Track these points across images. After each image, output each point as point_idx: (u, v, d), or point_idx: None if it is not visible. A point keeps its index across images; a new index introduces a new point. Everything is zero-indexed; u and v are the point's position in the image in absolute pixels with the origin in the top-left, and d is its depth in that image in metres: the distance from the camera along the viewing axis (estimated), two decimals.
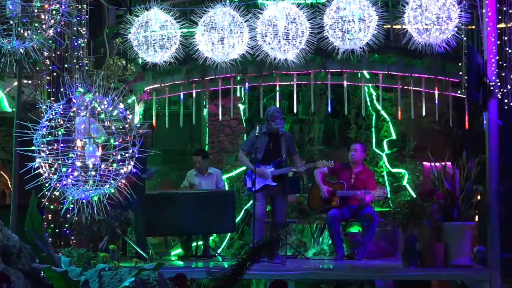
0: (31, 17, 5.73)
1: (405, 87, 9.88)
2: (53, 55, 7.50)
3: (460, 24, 7.58)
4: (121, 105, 4.91)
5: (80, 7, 7.81)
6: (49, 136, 4.72)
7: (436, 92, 9.67)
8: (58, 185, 4.80)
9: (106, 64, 8.48)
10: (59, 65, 7.66)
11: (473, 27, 8.77)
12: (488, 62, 7.54)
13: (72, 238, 7.66)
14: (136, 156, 4.86)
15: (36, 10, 5.75)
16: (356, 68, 9.78)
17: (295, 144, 9.77)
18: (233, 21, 7.71)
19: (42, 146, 4.74)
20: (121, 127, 4.81)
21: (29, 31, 5.75)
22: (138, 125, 5.03)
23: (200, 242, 9.70)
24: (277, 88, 10.04)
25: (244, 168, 11.68)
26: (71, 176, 4.73)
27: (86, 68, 7.95)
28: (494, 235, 7.41)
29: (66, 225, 7.64)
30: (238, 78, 9.84)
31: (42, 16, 5.76)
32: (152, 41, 7.96)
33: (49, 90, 7.66)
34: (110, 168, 4.74)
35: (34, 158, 4.83)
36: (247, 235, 10.68)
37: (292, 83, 9.87)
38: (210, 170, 9.89)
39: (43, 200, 6.95)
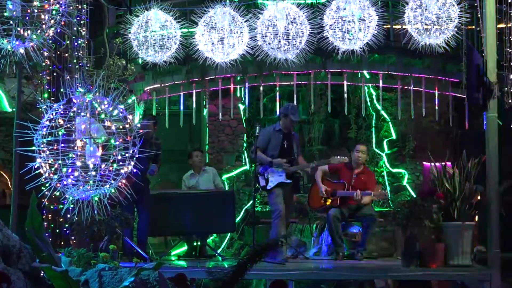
0: (31, 17, 5.72)
1: (405, 87, 9.89)
2: (53, 55, 7.50)
3: (460, 24, 7.58)
4: (121, 105, 4.91)
5: (80, 7, 7.81)
6: (50, 136, 4.72)
7: (436, 92, 9.67)
8: (58, 185, 4.80)
9: (106, 64, 8.49)
10: (59, 65, 7.66)
11: (473, 27, 8.78)
12: (488, 62, 7.54)
13: (72, 238, 7.66)
14: (137, 155, 4.85)
15: (36, 10, 5.75)
16: (356, 68, 9.79)
17: None
18: (233, 21, 7.71)
19: (42, 146, 4.74)
20: (121, 127, 4.81)
21: (29, 31, 5.74)
22: (139, 125, 5.01)
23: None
24: (277, 88, 10.04)
25: (244, 168, 11.76)
26: (71, 176, 4.73)
27: (86, 68, 7.95)
28: (494, 235, 7.41)
29: (66, 225, 7.64)
30: (238, 78, 9.86)
31: (42, 16, 5.75)
32: (152, 41, 7.96)
33: (49, 90, 7.66)
34: (111, 168, 4.74)
35: (34, 158, 4.82)
36: (247, 235, 10.68)
37: (292, 83, 9.88)
38: (203, 168, 9.87)
39: (43, 200, 6.96)
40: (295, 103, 9.91)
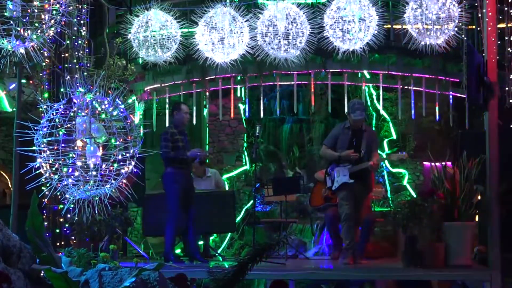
0: (31, 17, 5.72)
1: (406, 87, 9.89)
2: (53, 55, 7.50)
3: (461, 24, 7.58)
4: (122, 105, 4.91)
5: (80, 7, 7.81)
6: (50, 136, 4.71)
7: (437, 92, 9.67)
8: (59, 185, 4.80)
9: (106, 64, 8.49)
10: (59, 65, 7.66)
11: (473, 27, 8.78)
12: (488, 62, 7.54)
13: (73, 238, 7.66)
14: (137, 155, 4.85)
15: (36, 10, 5.75)
16: (356, 68, 9.78)
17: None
18: (233, 21, 7.70)
19: (42, 146, 4.73)
20: (121, 127, 4.81)
21: (29, 31, 5.74)
22: (139, 125, 5.02)
23: (201, 242, 9.70)
24: (277, 88, 10.04)
25: (244, 168, 11.77)
26: (72, 176, 4.73)
27: (87, 68, 7.95)
28: (494, 235, 7.41)
29: (67, 225, 7.64)
30: (238, 78, 9.85)
31: (42, 16, 5.75)
32: (152, 41, 7.96)
33: (49, 90, 7.66)
34: (111, 168, 4.74)
35: (34, 158, 4.82)
36: (247, 235, 10.68)
37: (292, 83, 9.87)
38: (208, 173, 9.86)
39: (44, 200, 6.97)
40: (295, 103, 9.91)
